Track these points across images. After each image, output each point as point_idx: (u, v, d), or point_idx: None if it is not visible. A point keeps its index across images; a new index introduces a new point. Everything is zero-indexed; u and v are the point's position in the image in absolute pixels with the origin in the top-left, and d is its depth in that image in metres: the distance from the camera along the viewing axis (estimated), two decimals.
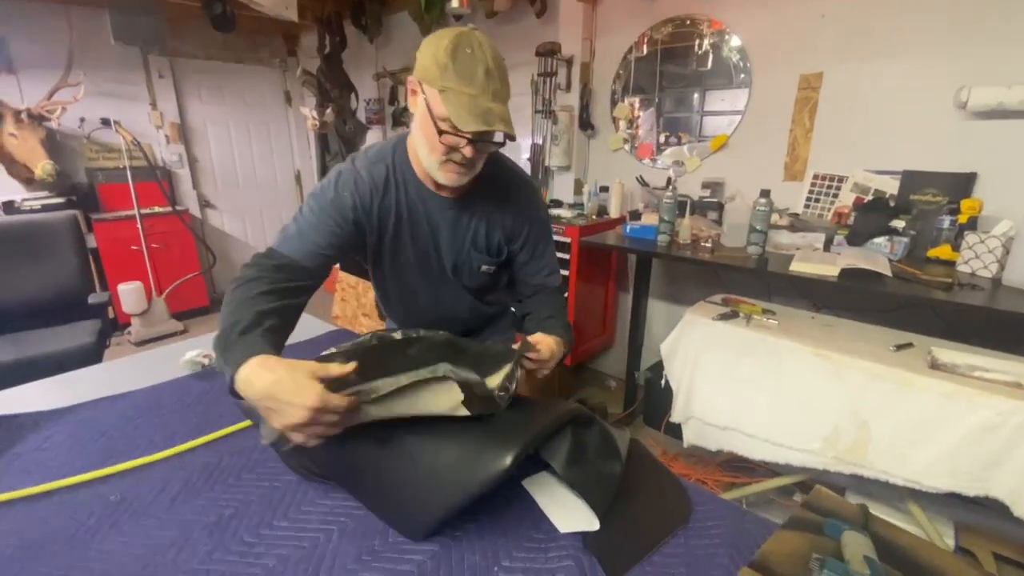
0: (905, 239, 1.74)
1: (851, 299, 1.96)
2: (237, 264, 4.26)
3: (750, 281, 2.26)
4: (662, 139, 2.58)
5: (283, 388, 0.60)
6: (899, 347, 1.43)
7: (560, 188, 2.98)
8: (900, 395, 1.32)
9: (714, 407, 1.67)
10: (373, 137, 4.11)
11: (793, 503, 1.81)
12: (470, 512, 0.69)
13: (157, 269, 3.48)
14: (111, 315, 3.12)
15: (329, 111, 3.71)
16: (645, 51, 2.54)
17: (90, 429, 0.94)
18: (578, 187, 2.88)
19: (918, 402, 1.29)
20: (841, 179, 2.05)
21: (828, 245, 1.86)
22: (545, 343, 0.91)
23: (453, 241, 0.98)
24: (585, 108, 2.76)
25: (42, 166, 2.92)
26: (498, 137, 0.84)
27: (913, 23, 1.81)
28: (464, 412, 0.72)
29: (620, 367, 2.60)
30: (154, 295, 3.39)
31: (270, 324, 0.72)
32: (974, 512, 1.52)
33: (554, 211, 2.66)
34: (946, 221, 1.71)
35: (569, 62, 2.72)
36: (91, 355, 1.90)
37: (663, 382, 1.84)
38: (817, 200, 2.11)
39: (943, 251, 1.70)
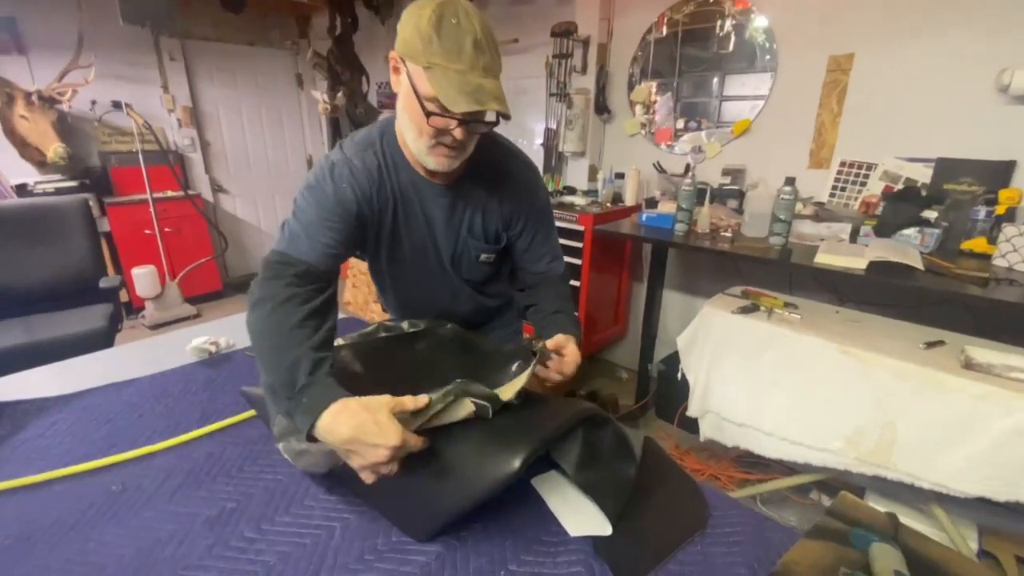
0: (937, 231, 1.67)
1: (878, 293, 1.89)
2: (249, 249, 4.34)
3: (770, 273, 2.19)
4: (680, 124, 2.50)
5: (367, 432, 0.60)
6: (929, 345, 1.37)
7: (574, 174, 2.92)
8: (930, 395, 1.26)
9: (732, 403, 1.63)
10: None
11: (809, 501, 1.77)
12: (476, 512, 0.67)
13: (170, 253, 3.50)
14: (124, 299, 3.16)
15: (340, 94, 3.66)
16: (665, 32, 2.46)
17: (94, 416, 0.93)
18: (593, 173, 2.81)
19: (949, 403, 1.23)
20: (870, 167, 1.97)
21: (854, 236, 1.79)
22: (570, 350, 0.82)
23: (449, 232, 0.91)
24: (601, 91, 2.68)
25: (54, 149, 2.92)
26: (491, 116, 0.76)
27: None
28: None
29: (632, 359, 2.56)
30: (167, 279, 3.42)
31: (326, 355, 0.69)
32: (998, 515, 1.47)
33: (567, 198, 2.61)
34: (982, 212, 1.63)
35: (585, 43, 2.63)
36: (102, 339, 1.91)
37: (679, 375, 1.80)
38: (843, 189, 2.04)
39: (978, 243, 1.62)
